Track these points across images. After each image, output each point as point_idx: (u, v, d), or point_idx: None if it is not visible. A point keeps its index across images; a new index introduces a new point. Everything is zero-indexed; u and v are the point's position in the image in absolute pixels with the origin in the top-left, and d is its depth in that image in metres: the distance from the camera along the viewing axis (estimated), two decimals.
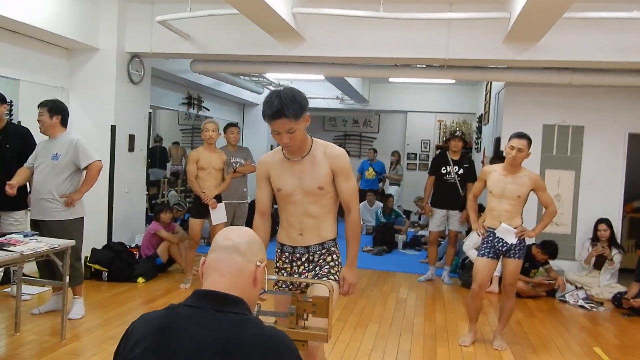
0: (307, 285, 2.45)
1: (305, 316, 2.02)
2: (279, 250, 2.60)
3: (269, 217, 2.64)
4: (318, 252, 2.51)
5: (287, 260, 2.55)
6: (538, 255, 5.59)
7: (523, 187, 3.86)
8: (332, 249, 2.53)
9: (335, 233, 2.57)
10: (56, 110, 4.08)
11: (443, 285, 6.00)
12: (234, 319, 1.31)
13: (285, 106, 2.24)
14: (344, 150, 2.52)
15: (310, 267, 2.50)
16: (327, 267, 2.48)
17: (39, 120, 4.08)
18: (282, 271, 2.56)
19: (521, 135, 3.84)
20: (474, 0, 4.87)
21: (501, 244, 3.92)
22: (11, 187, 3.89)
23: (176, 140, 11.84)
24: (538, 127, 6.36)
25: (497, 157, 6.19)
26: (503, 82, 6.74)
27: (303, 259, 2.51)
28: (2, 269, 4.32)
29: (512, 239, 3.88)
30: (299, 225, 2.49)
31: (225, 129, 5.82)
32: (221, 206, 5.19)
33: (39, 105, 4.09)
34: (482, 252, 3.98)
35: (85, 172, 4.13)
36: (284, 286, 2.50)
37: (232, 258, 1.40)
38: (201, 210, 5.18)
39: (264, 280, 1.48)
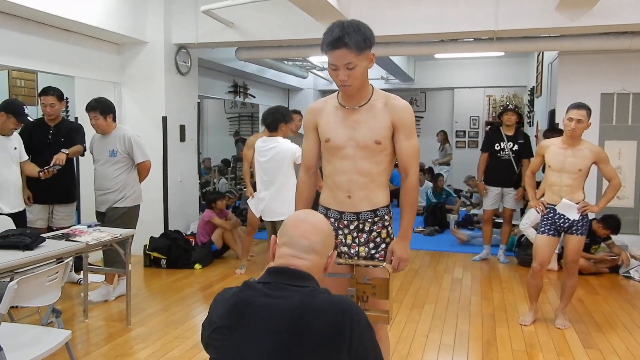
0: (355, 254, 2.23)
1: (365, 298, 2.01)
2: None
3: (316, 172, 2.37)
4: (370, 221, 2.21)
5: (331, 228, 2.29)
6: (599, 230, 5.36)
7: (584, 160, 3.70)
8: (386, 217, 2.24)
9: (389, 199, 2.26)
10: (107, 110, 4.23)
11: (499, 264, 5.87)
12: (305, 291, 1.40)
13: (347, 34, 1.96)
14: (408, 103, 2.21)
15: (362, 239, 2.22)
16: (384, 249, 2.24)
17: (94, 125, 4.23)
18: None
19: (580, 106, 3.67)
20: None
21: (562, 220, 3.78)
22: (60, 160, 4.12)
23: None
24: (595, 96, 6.05)
25: (551, 130, 5.95)
26: (556, 52, 6.45)
27: (351, 227, 2.22)
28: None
29: (574, 215, 3.73)
30: (347, 185, 2.19)
31: None
32: (256, 199, 5.09)
33: (89, 110, 4.21)
34: (543, 229, 3.85)
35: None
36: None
37: (309, 258, 1.47)
38: None
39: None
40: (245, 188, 5.35)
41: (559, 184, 3.77)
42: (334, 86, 2.26)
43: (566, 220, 3.77)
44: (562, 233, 3.85)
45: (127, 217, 4.28)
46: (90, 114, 4.22)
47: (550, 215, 3.82)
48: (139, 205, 4.42)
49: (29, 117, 4.01)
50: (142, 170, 4.38)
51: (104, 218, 4.30)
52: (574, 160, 3.71)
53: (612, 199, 3.86)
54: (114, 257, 4.03)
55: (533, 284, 3.97)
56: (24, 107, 3.97)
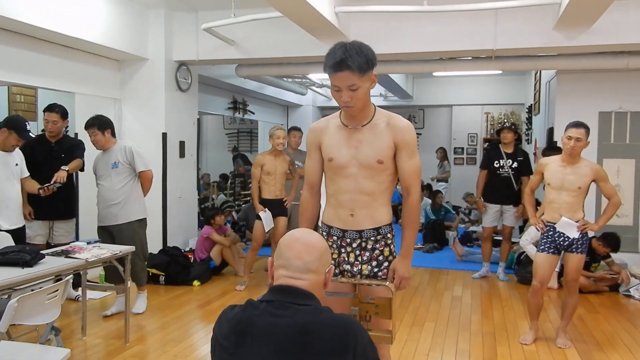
0: (358, 272, 2.24)
1: (368, 317, 2.00)
2: (324, 234, 2.31)
3: (319, 190, 2.39)
4: (372, 239, 2.22)
5: (334, 246, 2.26)
6: (599, 248, 5.36)
7: (584, 178, 3.71)
8: (389, 235, 2.26)
9: (391, 217, 2.29)
10: (105, 125, 4.29)
11: (499, 282, 5.85)
12: (308, 309, 1.41)
13: (349, 57, 1.99)
14: (410, 123, 2.24)
15: (365, 257, 2.23)
16: (387, 267, 2.24)
17: (93, 141, 4.28)
18: None
19: (578, 124, 3.69)
20: None
21: (562, 238, 3.78)
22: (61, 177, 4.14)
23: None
24: (593, 115, 6.10)
25: (550, 148, 5.98)
26: (554, 70, 6.51)
27: (354, 245, 2.24)
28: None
29: (573, 233, 3.73)
30: (350, 203, 2.21)
31: (289, 132, 5.99)
32: (268, 213, 5.22)
33: (87, 127, 4.28)
34: (542, 247, 3.85)
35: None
36: (336, 271, 2.27)
37: (306, 277, 1.48)
38: None
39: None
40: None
41: (559, 201, 3.78)
42: (333, 103, 2.29)
43: (566, 239, 3.77)
44: (562, 251, 3.85)
45: (139, 228, 4.35)
46: (88, 131, 4.27)
47: (550, 234, 3.82)
48: (146, 219, 4.46)
49: (30, 134, 4.01)
50: (145, 181, 4.40)
51: (106, 233, 4.30)
52: (573, 178, 3.72)
53: (612, 217, 3.87)
54: (137, 270, 4.23)
55: (533, 302, 3.95)
56: (26, 123, 3.97)
